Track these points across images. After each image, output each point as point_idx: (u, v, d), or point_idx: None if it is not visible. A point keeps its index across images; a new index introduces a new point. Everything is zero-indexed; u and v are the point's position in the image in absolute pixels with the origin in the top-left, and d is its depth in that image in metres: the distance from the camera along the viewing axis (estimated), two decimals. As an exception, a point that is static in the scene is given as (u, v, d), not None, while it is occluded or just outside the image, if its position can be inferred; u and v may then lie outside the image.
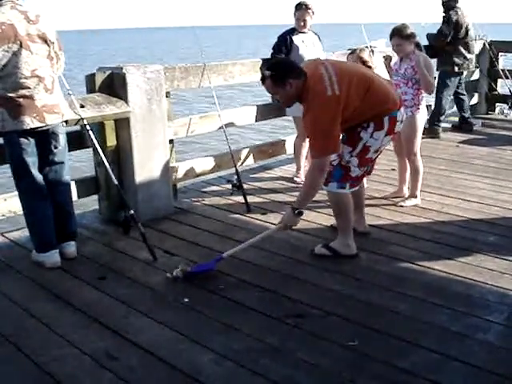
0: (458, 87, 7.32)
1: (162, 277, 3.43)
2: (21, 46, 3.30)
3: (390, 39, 4.62)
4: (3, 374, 2.56)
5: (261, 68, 3.37)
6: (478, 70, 8.46)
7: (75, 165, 8.79)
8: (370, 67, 4.72)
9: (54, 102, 3.48)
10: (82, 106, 3.88)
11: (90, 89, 4.17)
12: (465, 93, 7.57)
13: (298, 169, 5.40)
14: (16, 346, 2.74)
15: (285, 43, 5.12)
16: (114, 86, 4.16)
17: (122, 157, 4.28)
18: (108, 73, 4.17)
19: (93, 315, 3.01)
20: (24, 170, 3.51)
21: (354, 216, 3.76)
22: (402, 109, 3.57)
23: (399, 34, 4.51)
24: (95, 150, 4.01)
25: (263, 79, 3.39)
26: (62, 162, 3.68)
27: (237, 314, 3.02)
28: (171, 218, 4.46)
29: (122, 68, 4.13)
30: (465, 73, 7.38)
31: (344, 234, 3.65)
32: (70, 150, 3.81)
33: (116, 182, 3.93)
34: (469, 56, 6.97)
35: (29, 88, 3.35)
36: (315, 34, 5.35)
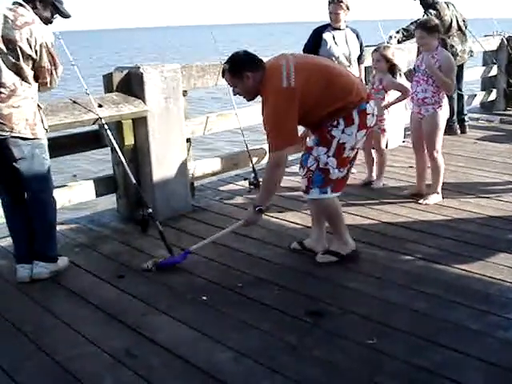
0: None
1: (180, 275, 3.45)
2: None
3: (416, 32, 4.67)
4: (24, 371, 2.58)
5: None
6: (495, 66, 8.36)
7: (94, 163, 8.90)
8: (394, 65, 4.69)
9: (2, 112, 3.15)
10: (100, 106, 3.91)
11: (108, 88, 4.20)
12: (460, 92, 7.05)
13: None
14: (36, 344, 2.77)
15: (314, 38, 5.09)
16: (131, 85, 4.18)
17: (139, 156, 4.30)
18: (125, 72, 4.20)
19: (112, 313, 3.03)
20: None
21: (314, 234, 3.71)
22: (372, 102, 3.46)
23: (422, 27, 4.51)
24: (113, 149, 4.04)
25: (223, 72, 3.37)
26: (29, 176, 3.30)
27: (255, 311, 3.02)
28: (188, 216, 4.47)
29: (139, 67, 4.16)
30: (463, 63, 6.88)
31: (339, 233, 3.57)
32: (87, 150, 3.77)
33: (134, 181, 3.95)
34: (460, 48, 6.70)
35: None
36: (353, 31, 5.22)
